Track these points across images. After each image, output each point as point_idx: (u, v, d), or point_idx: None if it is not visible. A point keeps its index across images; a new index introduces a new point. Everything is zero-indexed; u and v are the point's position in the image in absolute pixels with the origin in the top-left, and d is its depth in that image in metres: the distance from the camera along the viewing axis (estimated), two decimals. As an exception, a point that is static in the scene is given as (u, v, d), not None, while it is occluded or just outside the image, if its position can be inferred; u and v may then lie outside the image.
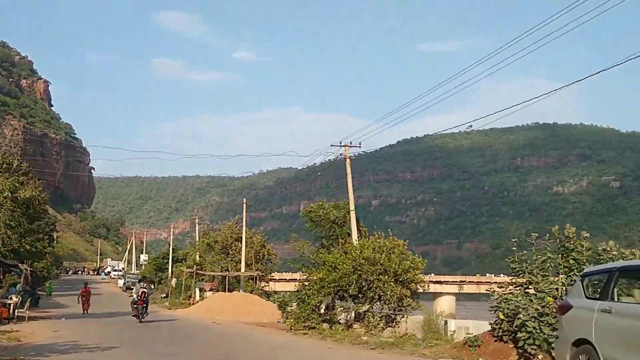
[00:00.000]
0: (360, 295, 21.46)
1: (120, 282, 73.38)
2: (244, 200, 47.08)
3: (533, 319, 11.15)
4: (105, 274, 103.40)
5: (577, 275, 11.21)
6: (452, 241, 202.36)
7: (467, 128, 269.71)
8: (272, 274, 48.46)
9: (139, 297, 25.81)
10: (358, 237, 27.06)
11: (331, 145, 28.91)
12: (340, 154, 28.86)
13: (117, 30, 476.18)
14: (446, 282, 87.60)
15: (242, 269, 41.52)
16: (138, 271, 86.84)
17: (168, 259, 64.57)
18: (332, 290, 21.99)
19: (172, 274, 58.97)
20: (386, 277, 21.22)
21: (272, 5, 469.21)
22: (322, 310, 22.77)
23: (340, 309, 22.43)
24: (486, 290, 14.90)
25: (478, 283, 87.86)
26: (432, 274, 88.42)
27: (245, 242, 41.84)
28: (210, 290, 42.60)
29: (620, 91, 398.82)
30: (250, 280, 41.18)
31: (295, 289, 48.61)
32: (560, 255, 12.04)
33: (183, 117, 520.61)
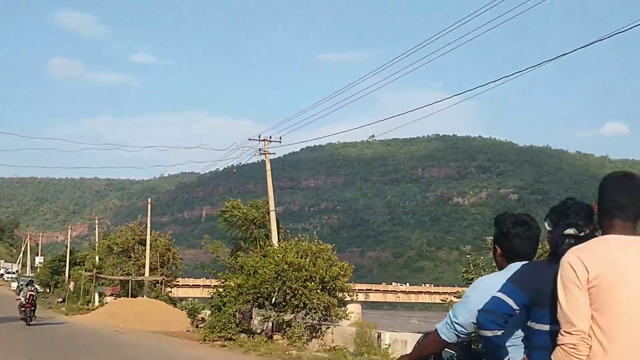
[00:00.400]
0: (283, 303, 19.82)
1: (14, 284, 70.52)
2: (149, 200, 44.31)
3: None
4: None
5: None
6: (354, 249, 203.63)
7: (370, 138, 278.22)
8: (177, 280, 45.93)
9: (27, 300, 25.77)
10: (279, 239, 25.37)
11: (249, 140, 27.20)
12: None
13: (11, 27, 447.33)
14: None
15: (146, 273, 39.05)
16: (33, 274, 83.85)
17: (65, 261, 61.87)
18: (251, 297, 20.25)
19: (69, 277, 55.75)
20: (312, 284, 19.71)
21: (175, 9, 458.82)
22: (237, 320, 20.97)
23: (259, 318, 20.69)
24: (441, 300, 13.74)
25: (384, 292, 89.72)
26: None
27: (150, 244, 39.30)
28: (111, 295, 39.62)
29: (518, 106, 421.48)
30: (155, 286, 38.57)
31: (201, 296, 46.42)
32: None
33: (83, 118, 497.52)
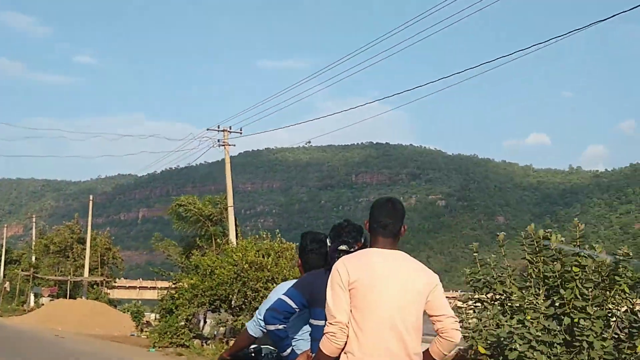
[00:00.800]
0: (243, 306, 18.57)
1: None
2: (91, 197, 41.63)
3: (531, 349, 8.00)
4: None
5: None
6: None
7: (306, 144, 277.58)
8: (115, 281, 43.73)
9: None
10: (237, 237, 23.95)
11: (207, 129, 25.40)
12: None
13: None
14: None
15: (86, 273, 37.09)
16: None
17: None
18: (207, 299, 18.90)
19: (4, 276, 53.13)
20: (275, 285, 18.55)
21: (116, 11, 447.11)
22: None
23: (211, 322, 19.34)
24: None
25: None
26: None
27: (89, 243, 37.23)
28: (49, 296, 37.24)
29: (447, 115, 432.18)
30: (94, 287, 36.36)
31: (138, 298, 44.07)
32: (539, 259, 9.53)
33: (20, 119, 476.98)
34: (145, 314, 26.15)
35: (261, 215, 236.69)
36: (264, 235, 20.44)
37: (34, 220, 59.58)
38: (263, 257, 19.03)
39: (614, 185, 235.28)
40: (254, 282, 18.42)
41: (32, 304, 38.33)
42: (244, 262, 18.71)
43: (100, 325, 25.87)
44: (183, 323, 18.94)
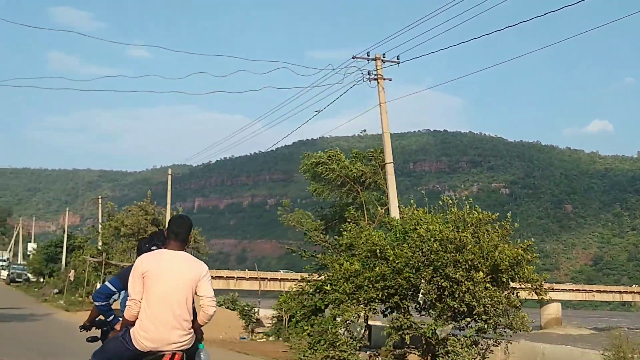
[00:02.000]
0: (439, 304, 12.27)
1: (4, 273, 69.90)
2: (169, 172, 36.49)
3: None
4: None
5: None
6: None
7: (361, 132, 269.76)
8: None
9: None
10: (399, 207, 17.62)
11: (353, 58, 19.25)
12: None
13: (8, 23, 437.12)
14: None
15: None
16: (24, 262, 78.72)
17: (62, 247, 54.94)
18: (377, 294, 12.67)
19: (67, 264, 49.28)
20: (479, 273, 12.17)
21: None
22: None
23: (388, 327, 12.98)
24: None
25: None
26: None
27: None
28: None
29: (507, 100, 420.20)
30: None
31: (226, 288, 37.78)
32: None
33: (74, 111, 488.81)
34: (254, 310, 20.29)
35: (317, 203, 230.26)
36: (450, 201, 13.79)
37: (99, 201, 55.47)
38: (457, 231, 12.76)
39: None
40: (450, 269, 12.10)
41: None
42: (432, 239, 12.51)
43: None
44: (343, 329, 12.88)
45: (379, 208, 19.76)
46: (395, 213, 16.62)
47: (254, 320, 19.79)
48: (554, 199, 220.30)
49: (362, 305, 12.78)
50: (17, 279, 60.17)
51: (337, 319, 12.89)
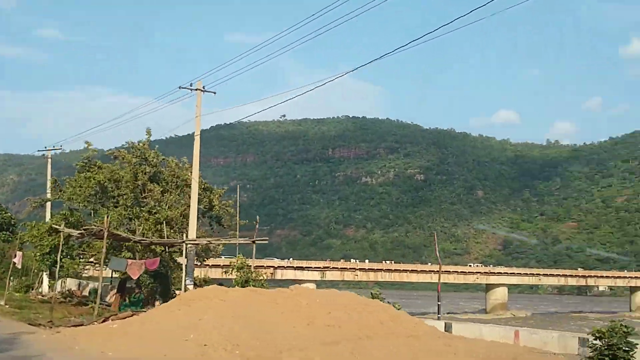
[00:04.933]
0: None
1: None
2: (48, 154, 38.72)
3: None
4: None
5: None
6: (263, 227, 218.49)
7: (281, 117, 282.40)
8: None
9: None
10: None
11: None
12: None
13: None
14: (308, 268, 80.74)
15: (192, 233, 24.70)
16: None
17: None
18: None
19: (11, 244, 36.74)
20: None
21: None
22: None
23: None
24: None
25: (342, 269, 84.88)
26: (291, 259, 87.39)
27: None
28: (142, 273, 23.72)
29: (424, 90, 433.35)
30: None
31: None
32: None
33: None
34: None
35: (234, 190, 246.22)
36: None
37: (49, 155, 41.18)
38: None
39: (595, 159, 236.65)
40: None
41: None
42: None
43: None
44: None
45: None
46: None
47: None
48: (467, 184, 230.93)
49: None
50: None
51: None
